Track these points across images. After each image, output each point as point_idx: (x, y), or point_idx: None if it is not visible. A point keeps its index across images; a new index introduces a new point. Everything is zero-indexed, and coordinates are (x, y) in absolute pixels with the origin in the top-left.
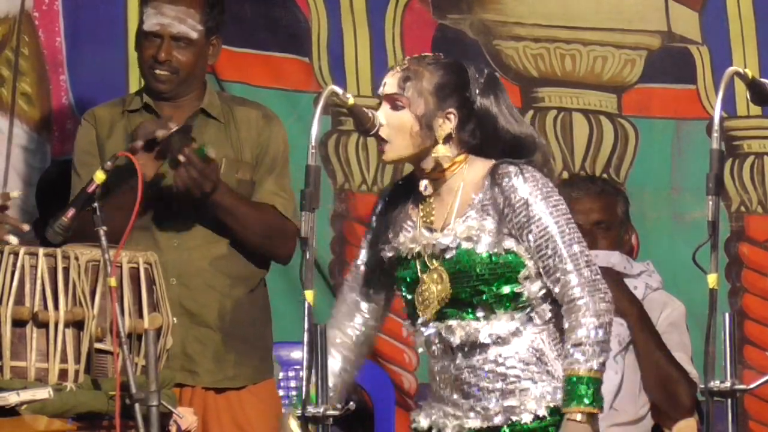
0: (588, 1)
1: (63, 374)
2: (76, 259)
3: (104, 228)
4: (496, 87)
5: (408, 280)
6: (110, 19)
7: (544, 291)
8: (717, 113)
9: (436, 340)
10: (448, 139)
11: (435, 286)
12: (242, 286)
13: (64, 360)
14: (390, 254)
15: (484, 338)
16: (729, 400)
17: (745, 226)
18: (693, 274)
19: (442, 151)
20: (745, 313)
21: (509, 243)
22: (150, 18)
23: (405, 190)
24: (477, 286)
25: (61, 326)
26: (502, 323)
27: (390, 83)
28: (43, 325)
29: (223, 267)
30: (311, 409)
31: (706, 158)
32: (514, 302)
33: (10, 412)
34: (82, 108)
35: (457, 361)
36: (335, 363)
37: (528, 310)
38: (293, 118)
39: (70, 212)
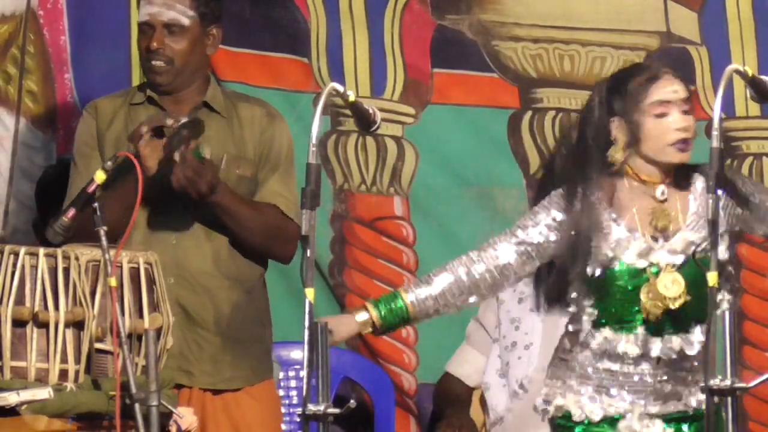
0: (587, 1)
1: (63, 374)
2: (77, 259)
3: (104, 228)
4: None
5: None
6: (114, 17)
7: None
8: (717, 111)
9: None
10: None
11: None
12: (240, 286)
13: (64, 360)
14: (603, 259)
15: None
16: (729, 399)
17: None
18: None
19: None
20: (744, 313)
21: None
22: (142, 9)
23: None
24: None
25: (61, 326)
26: None
27: (681, 89)
28: (44, 325)
29: (221, 267)
30: (312, 408)
31: (705, 158)
32: None
33: (10, 412)
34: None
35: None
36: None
37: None
38: (292, 119)
39: (71, 212)
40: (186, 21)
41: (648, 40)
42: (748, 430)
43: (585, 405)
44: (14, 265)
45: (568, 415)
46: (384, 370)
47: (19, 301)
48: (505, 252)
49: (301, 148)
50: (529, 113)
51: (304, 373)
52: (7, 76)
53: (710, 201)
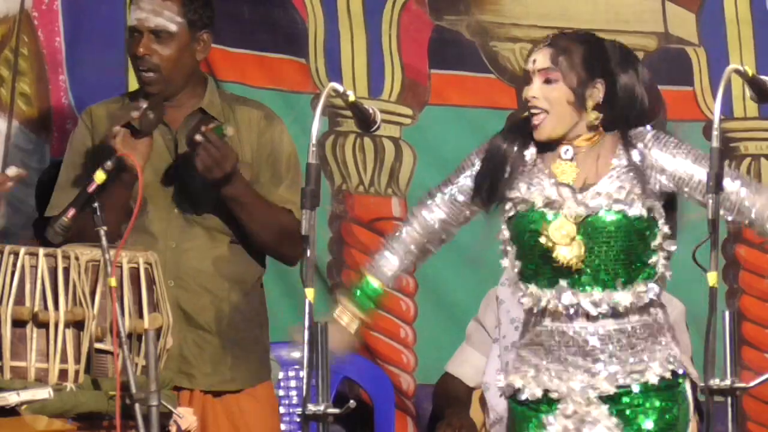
0: (585, 2)
1: (63, 374)
2: (77, 259)
3: (104, 228)
4: (633, 59)
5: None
6: (109, 19)
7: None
8: (717, 112)
9: None
10: (595, 108)
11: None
12: (240, 287)
13: (64, 360)
14: (517, 203)
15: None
16: (729, 399)
17: (742, 228)
18: (692, 273)
19: (593, 116)
20: (743, 314)
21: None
22: (131, 13)
23: (520, 141)
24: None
25: (61, 326)
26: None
27: (541, 59)
28: (43, 325)
29: (220, 269)
30: (312, 408)
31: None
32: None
33: (10, 412)
34: (82, 108)
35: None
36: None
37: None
38: (290, 119)
39: (71, 212)
40: (173, 27)
41: (646, 40)
42: (747, 430)
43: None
44: (14, 264)
45: (514, 393)
46: (384, 370)
47: (19, 301)
48: (438, 212)
49: (299, 148)
50: (527, 113)
51: (304, 373)
52: (0, 78)
53: (710, 201)
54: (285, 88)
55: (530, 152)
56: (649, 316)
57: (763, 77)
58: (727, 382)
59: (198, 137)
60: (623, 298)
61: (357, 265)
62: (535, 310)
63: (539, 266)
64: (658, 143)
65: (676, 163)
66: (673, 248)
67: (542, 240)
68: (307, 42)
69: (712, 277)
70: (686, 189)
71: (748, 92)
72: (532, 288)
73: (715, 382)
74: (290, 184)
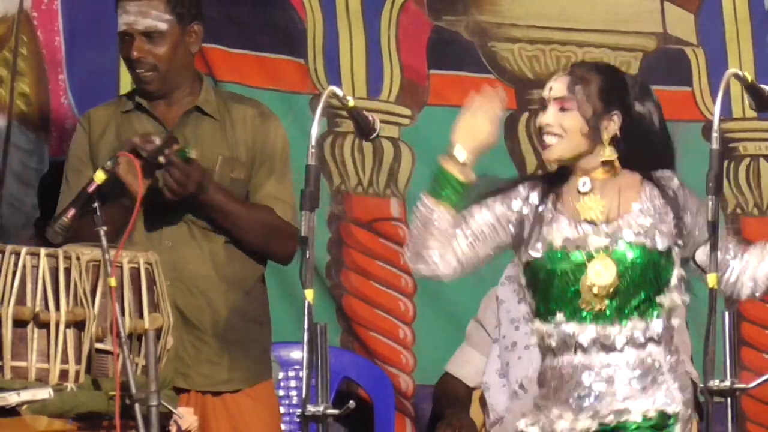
0: (584, 2)
1: (63, 374)
2: (78, 259)
3: (104, 228)
4: (652, 95)
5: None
6: (106, 18)
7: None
8: (716, 114)
9: None
10: (612, 140)
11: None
12: (238, 287)
13: (64, 360)
14: (539, 252)
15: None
16: (728, 399)
17: (741, 228)
18: (692, 274)
19: (608, 151)
20: (742, 314)
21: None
22: (119, 18)
23: (545, 188)
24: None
25: (62, 326)
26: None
27: (558, 87)
28: (44, 325)
29: (218, 269)
30: (311, 408)
31: (702, 160)
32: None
33: (10, 412)
34: (81, 108)
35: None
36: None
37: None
38: (289, 120)
39: (71, 212)
40: (163, 26)
41: (645, 41)
42: (747, 430)
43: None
44: (15, 265)
45: None
46: (383, 370)
47: (20, 301)
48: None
49: (297, 149)
50: (526, 114)
51: (303, 374)
52: None
53: (710, 203)
54: (284, 89)
55: (548, 201)
56: (653, 351)
57: (762, 86)
58: (727, 383)
59: (161, 159)
60: (630, 332)
61: (356, 265)
62: (553, 346)
63: (559, 305)
64: (685, 191)
65: (697, 218)
66: (686, 297)
67: (587, 285)
68: (306, 42)
69: (712, 279)
70: (687, 244)
71: (747, 99)
72: (537, 324)
73: (714, 383)
74: (278, 179)
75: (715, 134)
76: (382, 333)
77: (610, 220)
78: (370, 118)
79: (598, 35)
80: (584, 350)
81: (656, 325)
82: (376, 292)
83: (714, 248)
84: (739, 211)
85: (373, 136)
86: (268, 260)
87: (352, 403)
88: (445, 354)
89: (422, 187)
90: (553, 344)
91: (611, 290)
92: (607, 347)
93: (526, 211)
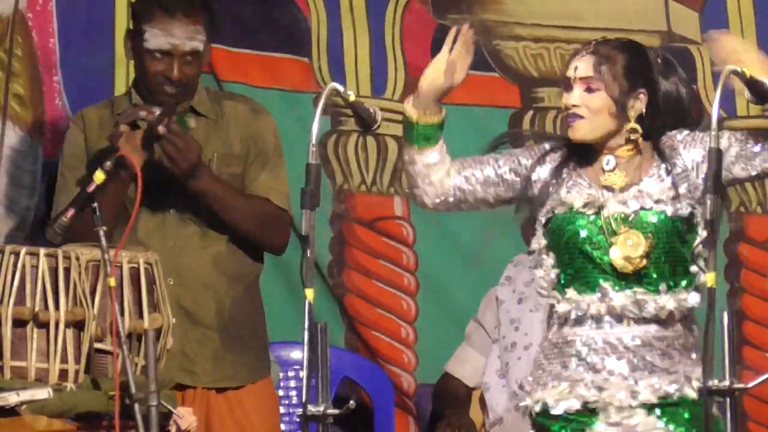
0: (588, 0)
1: (63, 374)
2: (77, 259)
3: (104, 228)
4: (675, 68)
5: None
6: (101, 19)
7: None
8: (715, 113)
9: None
10: (638, 119)
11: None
12: (239, 283)
13: (64, 360)
14: (554, 207)
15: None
16: (728, 399)
17: (744, 226)
18: None
19: (632, 129)
20: (744, 313)
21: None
22: (157, 37)
23: (567, 154)
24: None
25: (61, 326)
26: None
27: (583, 67)
28: (44, 325)
29: (219, 265)
30: (312, 408)
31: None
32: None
33: (10, 412)
34: (75, 109)
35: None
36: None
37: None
38: (293, 119)
39: (70, 212)
40: (201, 47)
41: (649, 39)
42: (748, 430)
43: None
44: (15, 265)
45: (546, 409)
46: (384, 370)
47: (20, 301)
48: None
49: (301, 148)
50: (531, 112)
51: (303, 374)
52: None
53: (709, 201)
54: (287, 88)
55: (568, 166)
56: (688, 329)
57: (761, 79)
58: (726, 382)
59: (161, 129)
60: (668, 302)
61: (358, 264)
62: (573, 317)
63: (579, 270)
64: (691, 142)
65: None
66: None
67: (612, 256)
68: (310, 41)
69: (711, 278)
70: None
71: (746, 94)
72: (571, 293)
73: (714, 383)
74: (271, 169)
75: (713, 133)
76: (384, 332)
77: (627, 187)
78: (371, 109)
79: (603, 33)
80: (630, 319)
81: (693, 298)
82: (378, 291)
83: (713, 247)
84: (742, 209)
85: (375, 127)
86: (270, 260)
87: (352, 403)
88: (447, 353)
89: None
90: (596, 312)
91: (646, 252)
92: (654, 317)
93: (536, 174)
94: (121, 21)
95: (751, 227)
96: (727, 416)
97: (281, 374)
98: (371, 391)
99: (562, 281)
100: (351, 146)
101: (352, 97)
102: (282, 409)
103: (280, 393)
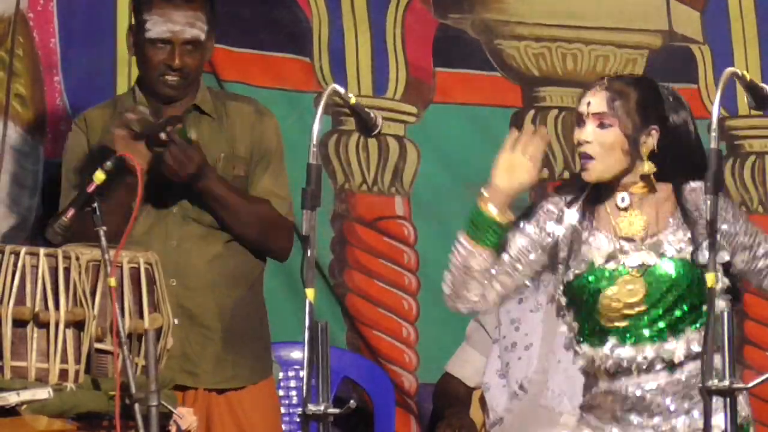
0: (590, 0)
1: (63, 374)
2: (77, 259)
3: (104, 228)
4: (684, 104)
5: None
6: (101, 19)
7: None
8: (715, 113)
9: None
10: (650, 155)
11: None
12: (241, 284)
13: (64, 360)
14: (575, 266)
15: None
16: (727, 399)
17: None
18: None
19: (648, 167)
20: (746, 312)
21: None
22: (158, 25)
23: (581, 205)
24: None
25: (61, 326)
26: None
27: (597, 102)
28: (44, 325)
29: (221, 266)
30: (312, 408)
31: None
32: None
33: (10, 412)
34: (76, 109)
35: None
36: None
37: None
38: (294, 118)
39: (70, 212)
40: (203, 36)
41: (650, 38)
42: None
43: None
44: (15, 265)
45: None
46: (384, 370)
47: (20, 301)
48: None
49: (302, 148)
50: (532, 112)
51: (304, 373)
52: None
53: (708, 202)
54: (289, 88)
55: (585, 220)
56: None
57: (761, 84)
58: (726, 382)
59: (163, 136)
60: (676, 348)
61: (359, 264)
62: (590, 371)
63: (595, 324)
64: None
65: (734, 228)
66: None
67: (606, 299)
68: (311, 41)
69: (710, 278)
70: (739, 256)
71: (745, 98)
72: (585, 348)
73: (713, 383)
74: (271, 174)
75: (713, 133)
76: (385, 332)
77: (651, 236)
78: (372, 114)
79: (605, 33)
80: (646, 370)
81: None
82: (379, 290)
83: (712, 248)
84: (744, 208)
85: (375, 132)
86: (269, 260)
87: (352, 403)
88: (448, 352)
89: (427, 185)
90: (610, 368)
91: (635, 310)
92: (668, 363)
93: (560, 231)
94: (123, 20)
95: None
96: (727, 416)
97: (281, 374)
98: (372, 391)
99: (579, 337)
100: (352, 146)
101: (353, 100)
102: (282, 409)
103: (280, 393)
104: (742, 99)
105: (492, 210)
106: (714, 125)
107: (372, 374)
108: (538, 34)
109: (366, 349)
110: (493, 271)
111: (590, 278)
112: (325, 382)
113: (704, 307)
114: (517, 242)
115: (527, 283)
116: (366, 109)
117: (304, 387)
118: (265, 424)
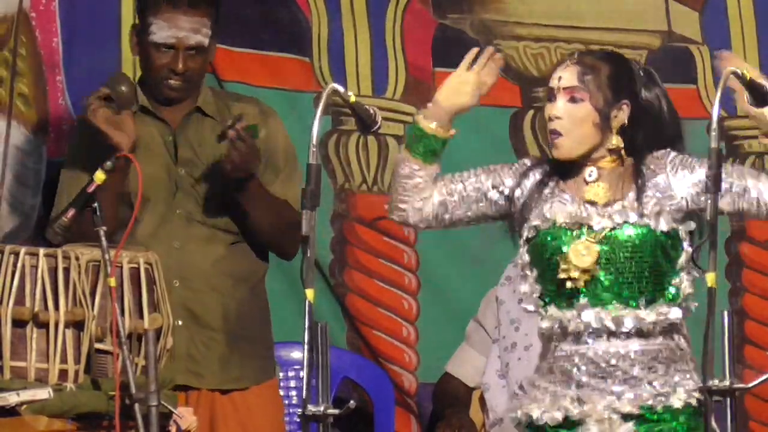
0: (588, 0)
1: (63, 374)
2: (77, 259)
3: (104, 228)
4: (657, 81)
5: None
6: (105, 19)
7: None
8: (715, 113)
9: None
10: (620, 130)
11: None
12: (244, 284)
13: (64, 360)
14: (537, 224)
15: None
16: (728, 399)
17: (745, 225)
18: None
19: (616, 141)
20: (746, 312)
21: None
22: (163, 30)
23: (548, 170)
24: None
25: (61, 326)
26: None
27: (567, 77)
28: (44, 325)
29: (224, 267)
30: (312, 408)
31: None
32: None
33: (10, 412)
34: (79, 109)
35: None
36: None
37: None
38: (293, 118)
39: (70, 212)
40: (206, 41)
41: (649, 39)
42: (749, 429)
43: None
44: (14, 265)
45: (531, 421)
46: (384, 370)
47: (19, 301)
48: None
49: (301, 148)
50: (531, 112)
51: (304, 374)
52: None
53: (709, 201)
54: (288, 87)
55: (551, 181)
56: (672, 341)
57: (760, 81)
58: (726, 382)
59: (231, 133)
60: (648, 316)
61: (359, 264)
62: (554, 334)
63: (560, 286)
64: (679, 163)
65: (699, 175)
66: (696, 274)
67: (561, 261)
68: (311, 41)
69: (711, 278)
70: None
71: (745, 97)
72: (552, 310)
73: (713, 383)
74: (285, 179)
75: (713, 133)
76: (385, 331)
77: (614, 202)
78: (371, 110)
79: (603, 33)
80: (615, 335)
81: (674, 313)
82: (379, 290)
83: (713, 247)
84: None
85: (375, 128)
86: (273, 260)
87: (352, 403)
88: (448, 352)
89: None
90: (576, 329)
91: (587, 275)
92: (637, 331)
93: (519, 190)
94: (127, 20)
95: (752, 226)
96: (727, 416)
97: (281, 374)
98: (372, 391)
99: (546, 298)
100: (352, 145)
101: (352, 99)
102: (285, 410)
103: (280, 393)
104: (742, 99)
105: (425, 122)
106: (714, 125)
107: (372, 374)
108: (537, 34)
109: (366, 349)
110: (438, 185)
111: (548, 237)
112: (325, 382)
113: (675, 280)
114: (471, 180)
115: (467, 216)
116: (365, 106)
117: (304, 387)
118: (269, 425)
